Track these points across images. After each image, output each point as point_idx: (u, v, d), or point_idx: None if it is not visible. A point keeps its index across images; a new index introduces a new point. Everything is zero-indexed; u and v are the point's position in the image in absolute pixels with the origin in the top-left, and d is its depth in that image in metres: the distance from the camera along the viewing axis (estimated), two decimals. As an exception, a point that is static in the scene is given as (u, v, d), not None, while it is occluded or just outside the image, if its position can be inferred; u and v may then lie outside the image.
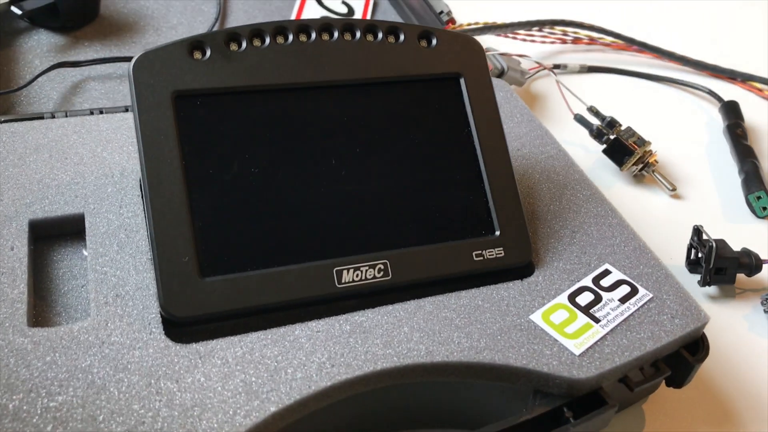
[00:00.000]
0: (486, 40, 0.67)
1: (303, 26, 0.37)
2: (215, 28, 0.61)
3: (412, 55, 0.39)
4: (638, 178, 0.56)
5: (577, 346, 0.34)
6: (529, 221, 0.41)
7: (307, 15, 0.65)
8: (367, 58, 0.38)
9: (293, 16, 0.64)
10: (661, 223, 0.52)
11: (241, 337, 0.32)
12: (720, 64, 0.68)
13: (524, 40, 0.68)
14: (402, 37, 0.39)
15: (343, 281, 0.34)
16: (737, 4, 0.81)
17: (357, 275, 0.35)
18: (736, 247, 0.50)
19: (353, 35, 0.38)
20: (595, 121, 0.57)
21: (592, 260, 0.39)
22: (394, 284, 0.35)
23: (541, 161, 0.45)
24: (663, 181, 0.55)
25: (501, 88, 0.52)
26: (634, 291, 0.37)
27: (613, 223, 0.41)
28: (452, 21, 0.66)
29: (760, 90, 0.67)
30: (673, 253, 0.50)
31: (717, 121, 0.63)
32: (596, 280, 0.38)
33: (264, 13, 0.65)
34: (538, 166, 0.45)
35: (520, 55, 0.60)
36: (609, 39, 0.70)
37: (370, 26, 0.38)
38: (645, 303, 0.37)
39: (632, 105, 0.65)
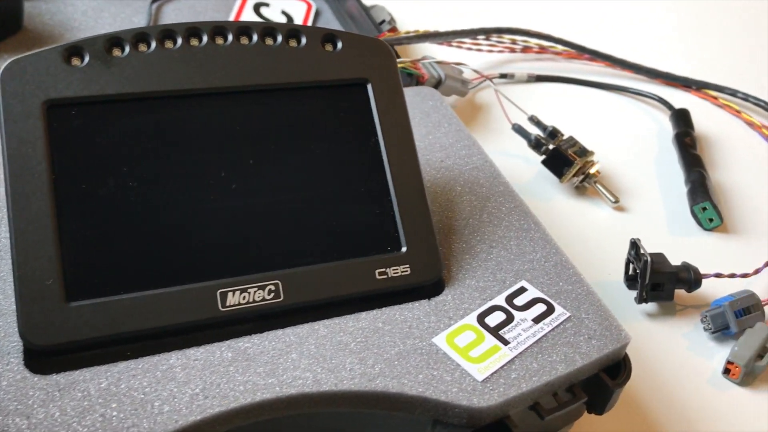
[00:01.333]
0: (428, 49, 0.65)
1: (193, 30, 0.34)
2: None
3: (315, 60, 0.36)
4: (580, 190, 0.53)
5: (480, 371, 0.31)
6: (444, 236, 0.38)
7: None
8: (264, 63, 0.35)
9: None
10: (603, 237, 0.50)
11: (108, 367, 0.30)
12: (675, 71, 0.66)
13: (469, 49, 0.65)
14: (304, 41, 0.36)
15: (227, 304, 0.32)
16: (692, 11, 0.79)
17: (244, 297, 0.32)
18: (681, 260, 0.47)
19: (250, 39, 0.35)
20: (535, 131, 0.55)
21: (508, 277, 0.36)
22: (286, 307, 0.32)
23: (465, 173, 0.43)
24: (605, 192, 0.52)
25: (430, 97, 0.49)
26: (550, 310, 0.35)
27: (535, 238, 0.39)
28: (394, 29, 0.64)
29: (715, 98, 0.65)
30: (614, 267, 0.47)
31: (668, 129, 0.61)
32: (510, 299, 0.35)
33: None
34: (461, 178, 0.43)
35: (458, 64, 0.58)
36: (560, 47, 0.68)
37: (268, 29, 0.36)
38: (561, 323, 0.34)
39: (581, 114, 0.62)
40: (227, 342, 0.31)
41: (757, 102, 0.64)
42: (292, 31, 0.36)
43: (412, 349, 0.32)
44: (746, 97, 0.64)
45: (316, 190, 0.35)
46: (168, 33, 0.34)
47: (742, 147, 0.61)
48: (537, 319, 0.34)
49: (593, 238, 0.50)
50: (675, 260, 0.46)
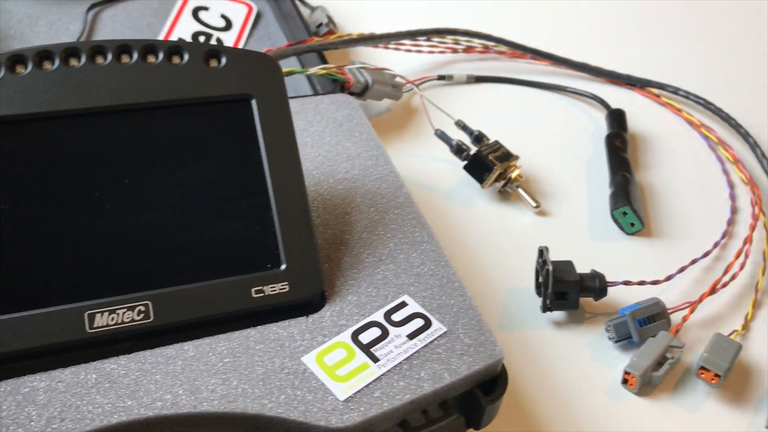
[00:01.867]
0: (366, 53, 0.65)
1: (72, 50, 0.35)
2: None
3: (197, 77, 0.36)
4: (504, 195, 0.53)
5: (344, 390, 0.32)
6: (334, 250, 0.38)
7: (180, 30, 0.63)
8: (145, 81, 0.35)
9: (164, 32, 0.62)
10: (522, 243, 0.50)
11: (-30, 390, 0.30)
12: (620, 70, 0.66)
13: (409, 51, 0.65)
14: (186, 58, 0.36)
15: (95, 325, 0.32)
16: (638, 10, 0.78)
17: (112, 319, 0.32)
18: (600, 266, 0.47)
19: (131, 57, 0.36)
20: (462, 136, 0.55)
21: (392, 292, 0.36)
22: (156, 327, 0.33)
23: (368, 184, 0.43)
24: (527, 197, 0.52)
25: (346, 105, 0.49)
26: (427, 325, 0.35)
27: (426, 250, 0.39)
28: (331, 32, 0.64)
29: (657, 96, 0.65)
30: (527, 275, 0.47)
31: (604, 130, 0.60)
32: (389, 314, 0.35)
33: (134, 30, 0.62)
34: (362, 189, 0.43)
35: (380, 69, 0.57)
36: (504, 47, 0.67)
37: (148, 47, 0.36)
38: (436, 338, 0.34)
39: (518, 115, 0.62)
40: (94, 364, 0.32)
41: (698, 100, 0.63)
42: (173, 48, 0.36)
43: (279, 368, 0.32)
44: (687, 95, 0.64)
45: (193, 208, 0.35)
46: (46, 54, 0.34)
47: (682, 147, 0.60)
48: (412, 335, 0.34)
49: (512, 244, 0.50)
50: (593, 266, 0.46)
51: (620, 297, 0.46)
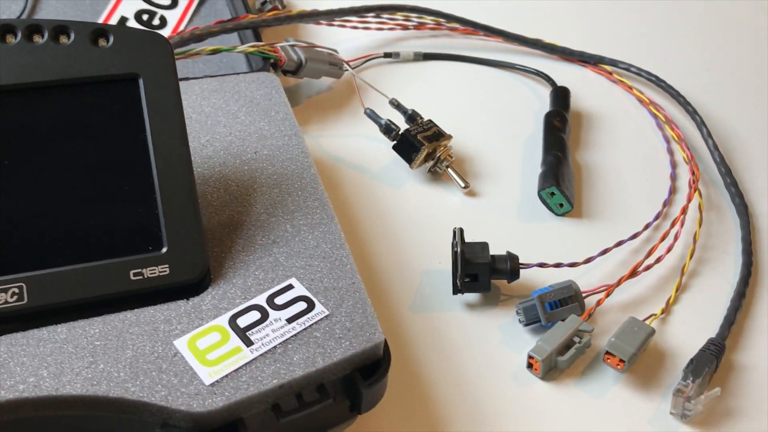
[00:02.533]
0: (312, 30, 0.64)
1: (-46, 30, 0.34)
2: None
3: (84, 56, 0.36)
4: (435, 175, 0.52)
5: (210, 375, 0.31)
6: (229, 231, 0.38)
7: (124, 8, 0.62)
8: (29, 61, 0.35)
9: (107, 11, 0.62)
10: (449, 224, 0.48)
11: None
12: (573, 46, 0.64)
13: (355, 27, 0.64)
14: (73, 37, 0.36)
15: (-34, 307, 0.32)
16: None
17: (-16, 300, 0.32)
18: (527, 247, 0.46)
19: (15, 37, 0.35)
20: (396, 115, 0.54)
21: (280, 275, 0.36)
22: (29, 309, 0.33)
23: (275, 164, 0.42)
24: (456, 177, 0.51)
25: (268, 83, 0.48)
26: (309, 308, 0.34)
27: (324, 232, 0.38)
28: (276, 8, 0.63)
29: (610, 73, 0.63)
30: (449, 256, 0.46)
31: (548, 108, 0.59)
32: (272, 297, 0.35)
33: (77, 10, 0.62)
34: (269, 170, 0.42)
35: (315, 46, 0.56)
36: (456, 24, 0.66)
37: (33, 27, 0.35)
38: (316, 322, 0.34)
39: (465, 92, 0.61)
40: (-37, 346, 0.32)
41: (649, 77, 0.61)
42: (60, 27, 0.36)
43: (149, 352, 0.32)
44: (639, 72, 0.62)
45: (75, 189, 0.34)
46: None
47: (629, 125, 0.59)
48: (292, 319, 0.34)
49: (438, 224, 0.49)
50: (520, 247, 0.45)
51: (541, 279, 0.45)
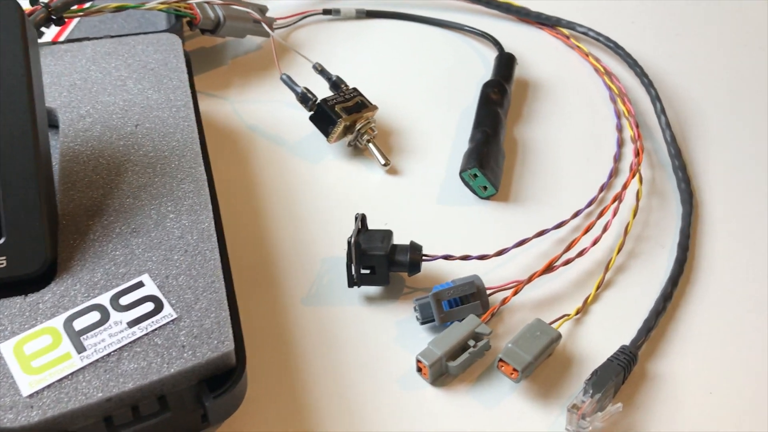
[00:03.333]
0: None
1: None
2: None
3: None
4: (357, 150, 0.48)
5: (31, 385, 0.28)
6: (88, 217, 0.35)
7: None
8: None
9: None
10: (364, 205, 0.45)
11: None
12: (533, 6, 0.59)
13: (295, -19, 0.59)
14: None
15: None
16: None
17: None
18: (443, 234, 0.43)
19: None
20: (321, 81, 0.49)
21: (133, 270, 0.33)
22: None
23: (156, 140, 0.39)
24: (377, 154, 0.47)
25: (168, 46, 0.44)
26: (157, 310, 0.31)
27: (193, 221, 0.35)
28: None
29: (567, 37, 0.58)
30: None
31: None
32: (117, 297, 0.32)
33: None
34: (147, 146, 0.38)
35: (237, 2, 0.51)
36: (407, -23, 0.61)
37: None
38: (161, 326, 0.31)
39: (406, 56, 0.56)
40: None
41: (608, 43, 0.56)
42: None
43: (-32, 355, 0.29)
44: (597, 37, 0.57)
45: None
46: None
47: (580, 97, 0.54)
48: (134, 322, 0.31)
49: (350, 206, 0.45)
50: (437, 233, 0.42)
51: (452, 270, 0.41)
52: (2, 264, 0.31)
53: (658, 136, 0.50)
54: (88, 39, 0.45)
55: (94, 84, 0.41)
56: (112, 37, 0.46)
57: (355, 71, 0.52)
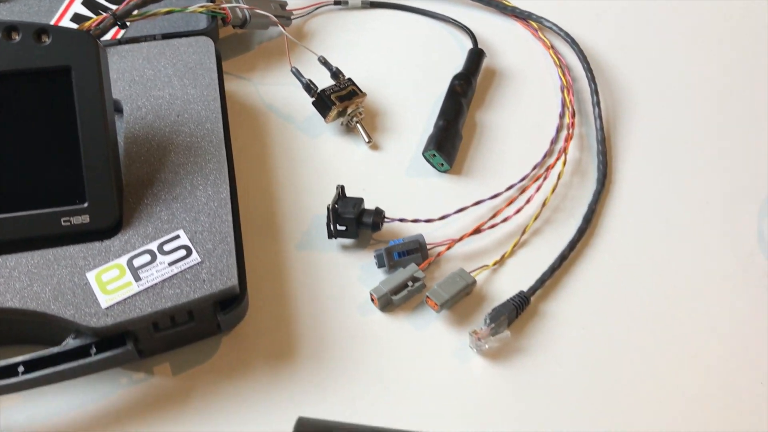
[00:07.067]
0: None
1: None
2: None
3: (29, 51, 0.47)
4: (348, 129, 0.62)
5: (107, 301, 0.45)
6: (141, 187, 0.50)
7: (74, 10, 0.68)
8: (-14, 55, 0.46)
9: (62, 8, 0.68)
10: (349, 173, 0.59)
11: None
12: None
13: (311, -24, 0.71)
14: (21, 35, 0.46)
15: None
16: None
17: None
18: (408, 201, 0.57)
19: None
20: (323, 71, 0.63)
21: (173, 226, 0.48)
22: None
23: (192, 128, 0.53)
24: (362, 132, 0.61)
25: (203, 48, 0.58)
26: (187, 255, 0.47)
27: (215, 191, 0.50)
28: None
29: (536, 30, 0.69)
30: (341, 202, 0.57)
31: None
32: (162, 245, 0.47)
33: (27, 14, 0.65)
34: (185, 132, 0.53)
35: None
36: (408, -30, 0.72)
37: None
38: (190, 266, 0.46)
39: (400, 44, 0.69)
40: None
41: (566, 37, 0.67)
42: (11, 26, 0.46)
43: (68, 279, 0.45)
44: (560, 31, 0.68)
45: (20, 157, 0.47)
46: None
47: (536, 87, 0.66)
48: (173, 263, 0.46)
49: (339, 173, 0.59)
50: (405, 199, 0.56)
51: (406, 230, 0.55)
52: (87, 220, 0.47)
53: (593, 124, 0.62)
54: (145, 39, 0.60)
55: (148, 81, 0.56)
56: (163, 37, 0.60)
57: (352, 59, 0.65)
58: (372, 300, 0.52)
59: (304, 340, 0.50)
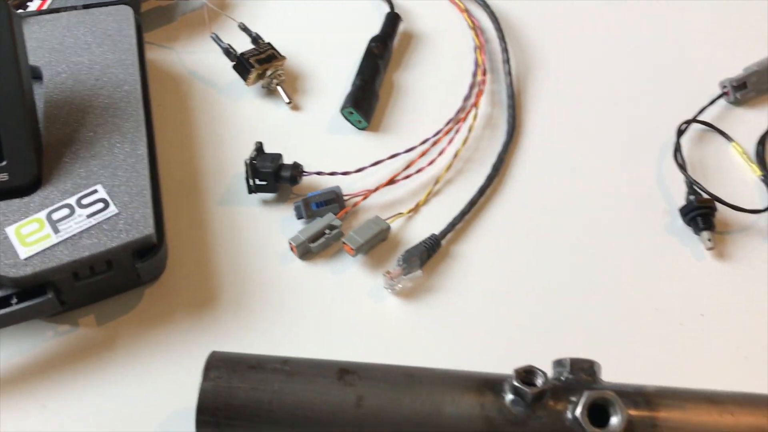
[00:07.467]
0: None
1: None
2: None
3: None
4: (269, 91, 0.64)
5: (26, 252, 0.46)
6: (62, 146, 0.51)
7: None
8: None
9: None
10: (270, 133, 0.61)
11: None
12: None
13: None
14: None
15: None
16: None
17: None
18: (328, 157, 0.59)
19: None
20: (243, 37, 0.65)
21: (92, 181, 0.50)
22: None
23: (111, 90, 0.55)
24: (282, 94, 0.63)
25: (123, 17, 0.60)
26: (105, 207, 0.48)
27: (132, 149, 0.52)
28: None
29: (459, 4, 0.72)
30: (263, 161, 0.59)
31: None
32: (81, 199, 0.49)
33: None
34: (104, 95, 0.55)
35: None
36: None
37: None
38: (108, 217, 0.48)
39: (321, 11, 0.71)
40: None
41: (479, 1, 0.70)
42: None
43: (-12, 234, 0.47)
44: (473, -3, 0.71)
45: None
46: None
47: (451, 48, 0.68)
48: (91, 215, 0.48)
49: (259, 133, 0.61)
50: (325, 156, 0.59)
51: (324, 182, 0.58)
52: (5, 178, 0.49)
53: (504, 81, 0.65)
54: (65, 9, 0.61)
55: (68, 48, 0.57)
56: (84, 7, 0.61)
57: (279, 24, 0.68)
58: (291, 248, 0.54)
59: (225, 289, 0.52)
